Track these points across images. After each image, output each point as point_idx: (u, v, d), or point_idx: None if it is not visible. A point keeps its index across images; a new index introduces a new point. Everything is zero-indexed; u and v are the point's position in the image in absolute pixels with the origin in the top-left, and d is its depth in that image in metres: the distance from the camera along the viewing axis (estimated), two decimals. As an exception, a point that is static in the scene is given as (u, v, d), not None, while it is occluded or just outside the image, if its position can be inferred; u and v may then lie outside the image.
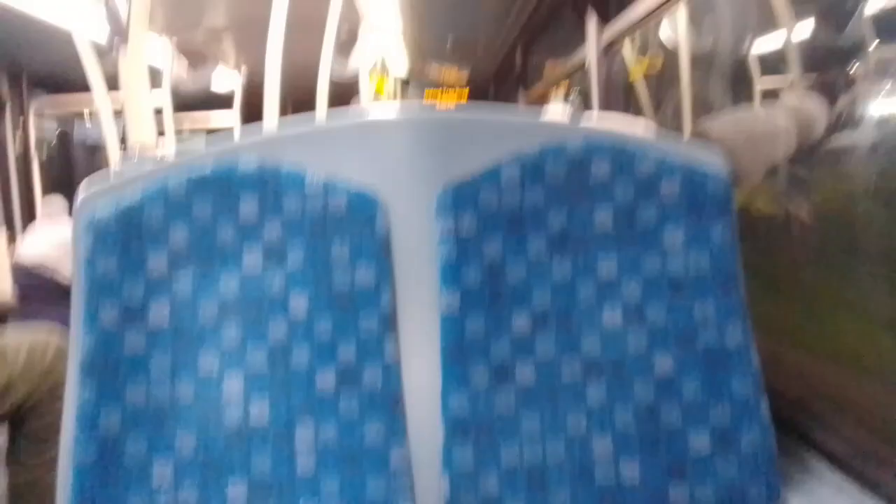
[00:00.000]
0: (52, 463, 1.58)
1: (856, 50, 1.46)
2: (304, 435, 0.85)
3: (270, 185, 0.88)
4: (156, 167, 0.89)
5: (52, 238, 2.30)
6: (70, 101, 4.35)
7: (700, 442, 0.85)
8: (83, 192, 0.89)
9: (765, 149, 1.40)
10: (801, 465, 0.93)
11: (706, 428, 0.85)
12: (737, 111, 1.87)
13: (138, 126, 1.96)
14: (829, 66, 1.63)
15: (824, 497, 0.88)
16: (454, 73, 6.46)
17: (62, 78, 4.39)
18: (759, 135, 1.41)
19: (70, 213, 2.28)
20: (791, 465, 0.93)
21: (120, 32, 1.87)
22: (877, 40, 1.36)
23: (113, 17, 1.90)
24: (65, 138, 5.18)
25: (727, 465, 0.84)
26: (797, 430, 0.96)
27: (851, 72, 1.47)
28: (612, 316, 0.88)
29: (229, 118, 5.36)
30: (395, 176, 0.89)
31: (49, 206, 2.95)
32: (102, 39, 3.15)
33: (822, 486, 0.89)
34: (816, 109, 1.46)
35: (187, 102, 5.02)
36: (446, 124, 0.91)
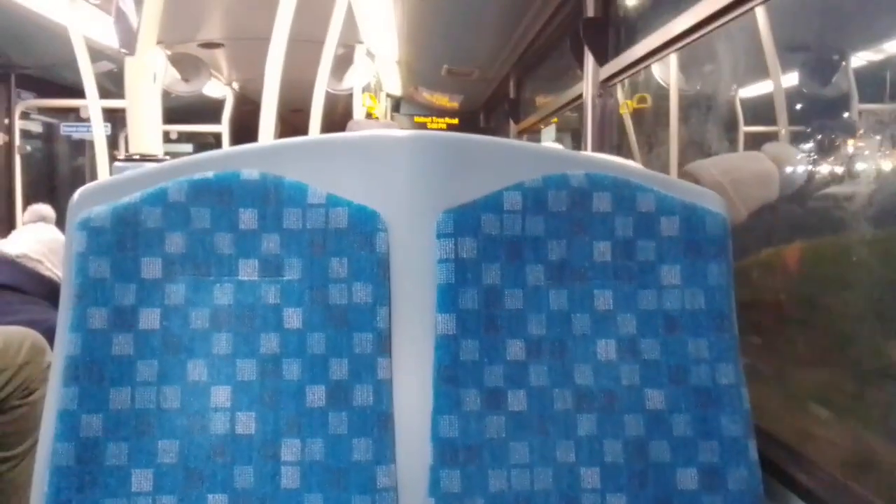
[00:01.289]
0: (24, 457, 1.56)
1: (840, 102, 1.50)
2: (290, 449, 0.83)
3: (272, 196, 0.87)
4: (156, 170, 0.88)
5: (38, 234, 2.26)
6: (58, 103, 4.33)
7: (688, 478, 0.85)
8: (80, 190, 0.88)
9: (748, 192, 1.42)
10: None
11: (694, 464, 0.85)
12: (723, 154, 1.91)
13: (140, 134, 1.95)
14: (814, 115, 1.67)
15: None
16: (445, 101, 6.52)
17: (51, 79, 4.37)
18: (743, 178, 1.44)
19: (56, 222, 2.24)
20: None
21: (129, 42, 1.87)
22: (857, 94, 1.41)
23: (123, 26, 1.90)
24: (50, 137, 5.15)
25: (714, 503, 0.84)
26: (782, 471, 0.96)
27: (836, 123, 1.52)
28: (605, 348, 0.88)
29: (218, 130, 5.35)
30: (397, 195, 0.89)
31: (37, 214, 2.91)
32: (99, 39, 3.15)
33: None
34: (797, 158, 1.51)
35: (175, 114, 5.01)
36: (450, 147, 0.91)
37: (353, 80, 4.40)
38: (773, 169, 1.45)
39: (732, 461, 0.85)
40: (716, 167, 1.51)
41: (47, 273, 2.04)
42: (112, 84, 3.88)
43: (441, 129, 6.99)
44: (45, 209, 2.44)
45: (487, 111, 6.91)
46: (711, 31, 1.62)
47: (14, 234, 2.33)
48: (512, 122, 5.07)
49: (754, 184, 1.44)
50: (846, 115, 1.52)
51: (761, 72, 1.80)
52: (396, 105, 7.18)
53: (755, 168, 1.47)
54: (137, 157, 1.78)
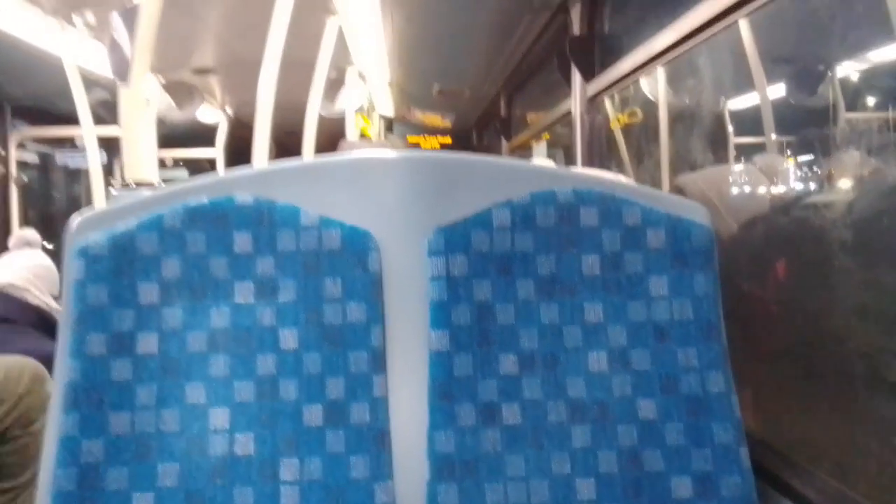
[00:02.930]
0: (26, 488, 1.56)
1: (826, 112, 1.53)
2: (289, 468, 0.84)
3: (266, 220, 0.89)
4: (151, 197, 0.90)
5: (25, 261, 2.26)
6: (53, 132, 4.36)
7: (682, 486, 0.86)
8: (76, 218, 0.89)
9: (737, 203, 1.45)
10: None
11: (688, 473, 0.86)
12: (711, 168, 1.94)
13: (135, 162, 1.97)
14: (800, 125, 1.70)
15: None
16: (438, 120, 6.57)
17: (45, 109, 4.39)
18: (729, 191, 1.47)
19: (54, 251, 2.24)
20: None
21: (123, 71, 1.89)
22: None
23: (117, 55, 1.93)
24: (46, 165, 5.17)
25: None
26: (775, 477, 0.97)
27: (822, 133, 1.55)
28: (597, 360, 0.89)
29: (212, 154, 5.38)
30: (389, 215, 0.91)
31: (22, 239, 2.91)
32: (92, 68, 3.18)
33: None
34: (786, 170, 1.53)
35: (170, 140, 5.03)
36: (440, 166, 0.93)
37: (346, 102, 4.44)
38: (762, 180, 1.47)
39: (725, 468, 0.86)
40: (703, 180, 1.53)
41: (35, 301, 2.04)
42: (106, 112, 3.91)
43: (434, 148, 7.02)
44: (30, 234, 2.44)
45: (480, 129, 6.96)
46: (694, 45, 1.66)
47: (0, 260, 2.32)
48: (504, 140, 5.11)
49: (743, 196, 1.46)
50: (831, 123, 1.54)
51: (749, 84, 1.84)
52: (389, 125, 7.23)
53: (742, 180, 1.49)
54: (133, 184, 1.80)
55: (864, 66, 1.46)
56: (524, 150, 4.65)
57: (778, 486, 0.96)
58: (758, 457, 0.90)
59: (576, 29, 2.56)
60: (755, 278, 1.44)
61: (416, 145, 7.29)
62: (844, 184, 1.28)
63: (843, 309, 1.14)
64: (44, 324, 2.04)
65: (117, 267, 0.86)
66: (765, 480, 0.94)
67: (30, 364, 1.57)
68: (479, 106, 5.80)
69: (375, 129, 5.80)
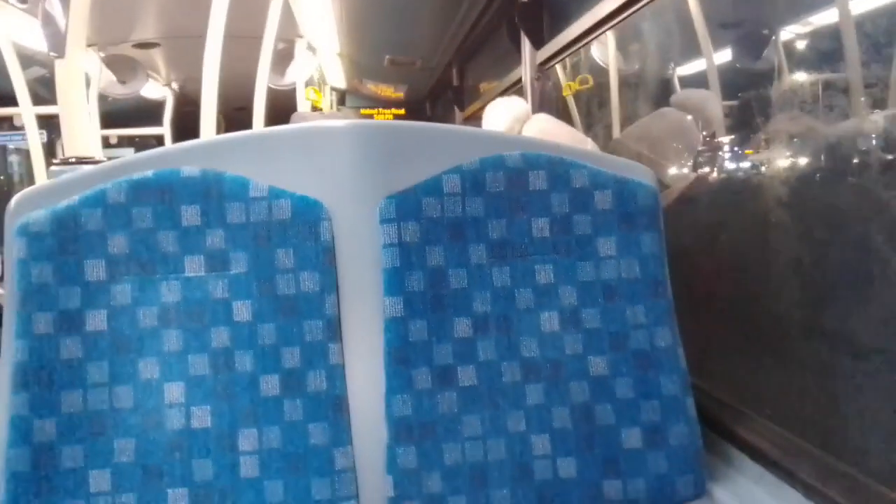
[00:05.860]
0: None
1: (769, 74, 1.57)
2: (247, 439, 0.85)
3: (214, 192, 0.88)
4: (94, 172, 0.88)
5: None
6: None
7: (632, 438, 0.89)
8: (16, 196, 0.87)
9: (667, 147, 1.48)
10: (725, 458, 0.99)
11: (637, 424, 0.90)
12: (635, 123, 1.96)
13: (75, 138, 1.91)
14: (745, 88, 1.74)
15: (746, 487, 0.93)
16: (390, 91, 6.51)
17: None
18: (657, 138, 1.50)
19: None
20: (716, 459, 0.98)
21: (58, 45, 1.83)
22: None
23: (51, 28, 1.86)
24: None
25: (657, 460, 0.89)
26: (721, 425, 1.01)
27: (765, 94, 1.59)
28: (549, 320, 0.91)
29: (160, 132, 5.25)
30: (339, 184, 0.90)
31: None
32: (28, 44, 3.06)
33: (744, 477, 0.95)
34: (710, 102, 1.58)
35: (115, 118, 4.88)
36: (389, 134, 0.93)
37: (295, 74, 4.36)
38: (683, 118, 1.51)
39: (672, 418, 0.90)
40: (630, 137, 1.56)
41: None
42: (46, 90, 3.77)
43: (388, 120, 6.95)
44: None
45: (433, 100, 6.93)
46: (640, 8, 1.68)
47: None
48: (457, 110, 5.10)
49: (670, 137, 1.50)
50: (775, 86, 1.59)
51: (697, 49, 1.87)
52: (342, 98, 7.14)
53: (666, 124, 1.53)
54: (73, 160, 1.75)
55: (805, 29, 1.50)
56: (477, 120, 4.65)
57: (722, 433, 1.01)
58: (702, 405, 0.94)
59: (524, -5, 2.56)
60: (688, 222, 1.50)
61: (370, 118, 7.22)
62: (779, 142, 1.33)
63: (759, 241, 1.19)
64: None
65: (61, 244, 0.85)
66: (710, 427, 0.98)
67: None
68: (432, 76, 5.76)
69: (327, 101, 5.72)
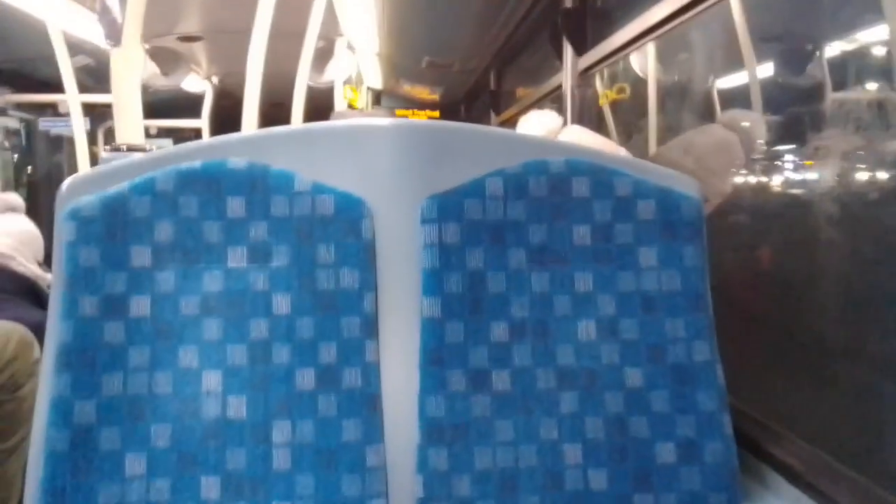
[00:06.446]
0: (13, 452, 1.56)
1: (815, 90, 1.55)
2: (280, 432, 0.85)
3: (259, 185, 0.89)
4: (144, 160, 0.89)
5: (10, 227, 2.21)
6: (36, 98, 4.28)
7: (666, 452, 0.88)
8: (68, 180, 0.88)
9: (712, 162, 1.47)
10: (761, 479, 0.97)
11: (672, 439, 0.88)
12: (680, 136, 1.94)
13: (126, 126, 1.95)
14: (789, 104, 1.72)
15: None
16: (426, 93, 6.53)
17: (27, 74, 4.31)
18: (703, 152, 1.49)
19: (26, 211, 2.21)
20: (751, 479, 0.97)
21: (114, 35, 1.87)
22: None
23: (108, 18, 1.90)
24: (29, 130, 5.09)
25: (690, 476, 0.87)
26: (756, 445, 1.00)
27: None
28: (586, 329, 0.91)
29: (198, 125, 5.33)
30: (382, 182, 0.91)
31: (6, 204, 2.86)
32: (76, 33, 3.12)
33: (780, 500, 0.93)
34: (757, 124, 1.56)
35: (154, 108, 4.97)
36: (433, 134, 0.93)
37: (334, 73, 4.40)
38: (730, 135, 1.50)
39: (708, 435, 0.88)
40: (676, 149, 1.55)
41: (20, 269, 1.99)
42: (90, 79, 3.85)
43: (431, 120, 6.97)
44: (13, 198, 2.38)
45: (468, 103, 6.93)
46: (687, 20, 1.66)
47: None
48: (493, 114, 5.10)
49: (715, 153, 1.49)
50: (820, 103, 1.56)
51: (738, 62, 1.84)
52: (377, 98, 7.18)
53: (712, 139, 1.52)
54: (124, 147, 1.79)
55: (851, 46, 1.47)
56: (513, 125, 4.64)
57: (758, 453, 0.99)
58: (739, 426, 0.92)
59: (568, 2, 2.55)
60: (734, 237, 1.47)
61: (404, 118, 7.24)
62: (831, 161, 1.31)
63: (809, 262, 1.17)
64: (29, 292, 2.02)
65: (109, 229, 0.86)
66: (745, 447, 0.96)
67: (18, 329, 1.57)
68: (469, 80, 5.76)
69: (363, 101, 5.76)
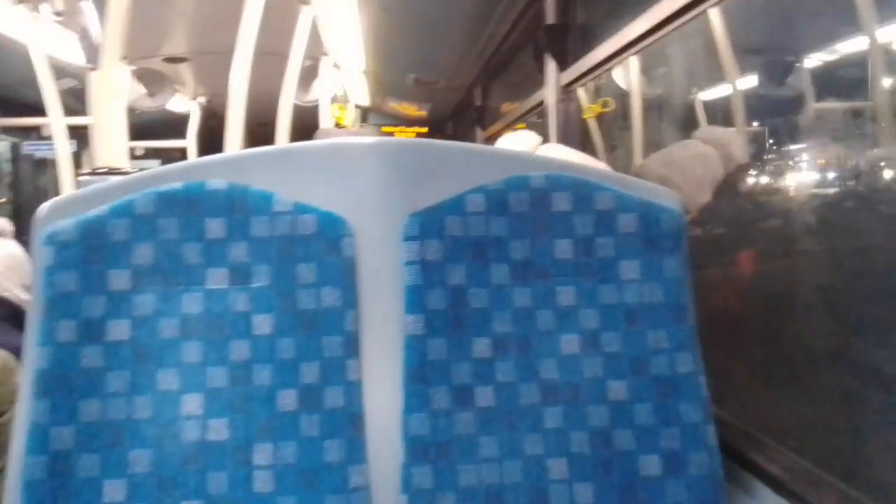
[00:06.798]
0: None
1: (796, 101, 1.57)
2: (262, 453, 0.84)
3: (239, 206, 0.89)
4: (122, 182, 0.89)
5: None
6: (20, 122, 4.27)
7: (651, 465, 0.88)
8: (46, 204, 0.88)
9: (692, 174, 1.49)
10: (747, 489, 0.97)
11: (657, 451, 0.88)
12: (661, 150, 1.97)
13: (105, 148, 1.94)
14: (770, 115, 1.74)
15: None
16: (413, 110, 6.55)
17: (11, 98, 4.30)
18: (684, 165, 1.51)
19: (14, 235, 2.19)
20: (737, 490, 0.96)
21: (93, 57, 1.87)
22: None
23: (87, 42, 1.90)
24: (13, 156, 5.07)
25: (676, 488, 0.87)
26: (741, 455, 0.99)
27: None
28: (569, 343, 0.90)
29: (183, 145, 5.33)
30: (363, 201, 0.91)
31: None
32: (60, 56, 3.12)
33: None
34: (727, 136, 1.59)
35: (140, 130, 4.96)
36: (414, 152, 0.94)
37: (320, 91, 4.41)
38: (709, 149, 1.53)
39: (693, 446, 0.88)
40: (657, 162, 1.57)
41: (4, 294, 1.98)
42: (77, 101, 3.84)
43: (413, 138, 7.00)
44: (1, 222, 2.36)
45: (455, 119, 6.96)
46: (667, 34, 1.68)
47: None
48: (479, 129, 5.12)
49: (695, 165, 1.51)
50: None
51: (720, 75, 1.87)
52: (364, 115, 7.20)
53: (691, 152, 1.55)
54: (103, 170, 1.78)
55: (831, 57, 1.49)
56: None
57: (743, 463, 0.99)
58: (723, 436, 0.92)
59: (550, 18, 2.57)
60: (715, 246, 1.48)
61: (390, 135, 7.27)
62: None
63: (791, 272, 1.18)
64: (14, 317, 2.00)
65: (87, 253, 0.86)
66: (730, 457, 0.96)
67: (0, 356, 1.55)
68: (455, 96, 5.79)
69: (350, 118, 5.77)
